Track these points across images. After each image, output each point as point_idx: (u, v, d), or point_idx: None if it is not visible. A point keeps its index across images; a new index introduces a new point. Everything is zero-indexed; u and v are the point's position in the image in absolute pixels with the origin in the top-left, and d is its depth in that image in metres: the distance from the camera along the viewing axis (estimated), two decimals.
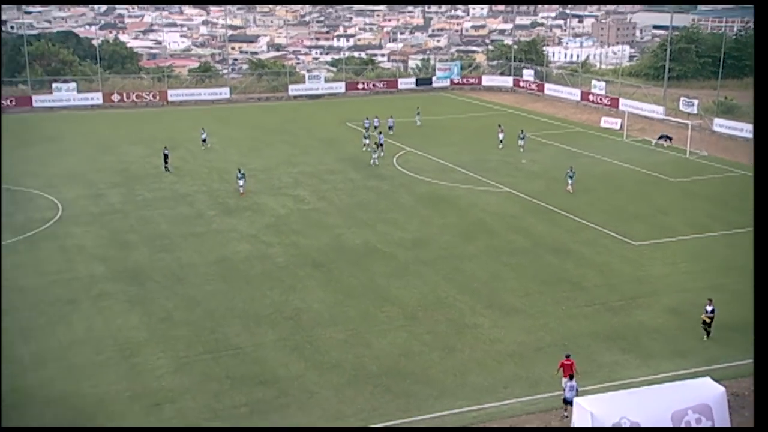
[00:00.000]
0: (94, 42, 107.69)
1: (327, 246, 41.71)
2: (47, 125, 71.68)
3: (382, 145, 61.31)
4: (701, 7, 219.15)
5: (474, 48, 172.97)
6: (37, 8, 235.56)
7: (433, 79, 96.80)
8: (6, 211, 46.63)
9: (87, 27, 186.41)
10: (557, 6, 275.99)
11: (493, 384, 28.03)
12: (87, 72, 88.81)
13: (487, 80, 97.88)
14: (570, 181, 50.67)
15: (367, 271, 38.35)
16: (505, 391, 27.58)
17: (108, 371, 28.66)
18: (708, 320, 30.26)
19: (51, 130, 69.38)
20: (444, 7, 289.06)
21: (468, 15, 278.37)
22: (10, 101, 78.90)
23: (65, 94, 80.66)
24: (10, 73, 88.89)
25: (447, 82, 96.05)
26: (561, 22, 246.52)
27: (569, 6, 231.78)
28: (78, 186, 52.35)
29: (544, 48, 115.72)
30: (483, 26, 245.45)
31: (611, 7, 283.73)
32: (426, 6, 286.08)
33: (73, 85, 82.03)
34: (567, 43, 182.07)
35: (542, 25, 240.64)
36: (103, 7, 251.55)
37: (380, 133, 63.93)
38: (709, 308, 30.22)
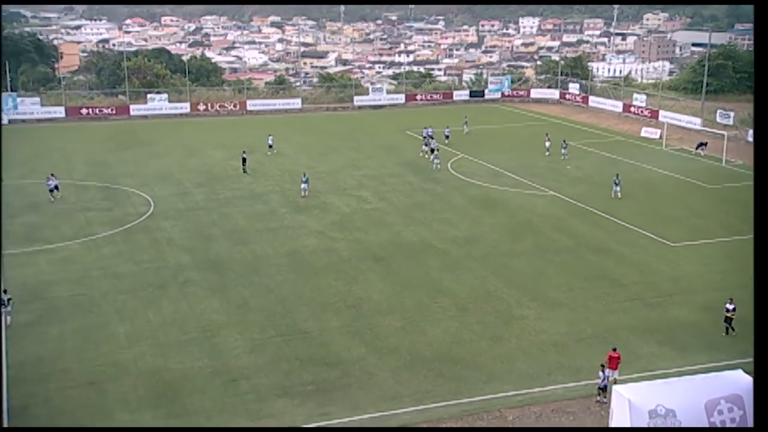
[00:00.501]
0: (184, 58, 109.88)
1: (386, 242, 41.83)
2: (142, 131, 73.21)
3: (434, 150, 61.62)
4: (738, 26, 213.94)
5: (523, 63, 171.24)
6: (135, 28, 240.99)
7: (486, 91, 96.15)
8: (106, 206, 47.95)
9: (178, 44, 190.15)
10: (602, 25, 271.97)
11: (537, 371, 27.82)
12: (177, 84, 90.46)
13: (535, 93, 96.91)
14: (617, 188, 49.81)
15: (422, 265, 38.36)
16: (549, 378, 27.36)
17: (192, 349, 29.21)
18: (729, 318, 29.61)
19: (145, 136, 70.79)
20: (496, 26, 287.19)
21: (518, 33, 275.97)
22: (111, 110, 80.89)
23: (158, 104, 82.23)
24: (111, 85, 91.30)
25: (498, 95, 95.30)
26: (605, 39, 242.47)
27: (613, 25, 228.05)
28: (168, 185, 53.30)
29: (588, 63, 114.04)
30: (532, 43, 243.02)
31: (653, 26, 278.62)
32: (479, 24, 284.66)
33: (165, 96, 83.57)
34: (610, 60, 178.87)
35: (587, 42, 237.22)
36: (192, 26, 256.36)
37: (433, 139, 63.97)
38: (730, 306, 29.57)
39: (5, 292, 31.88)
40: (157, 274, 36.69)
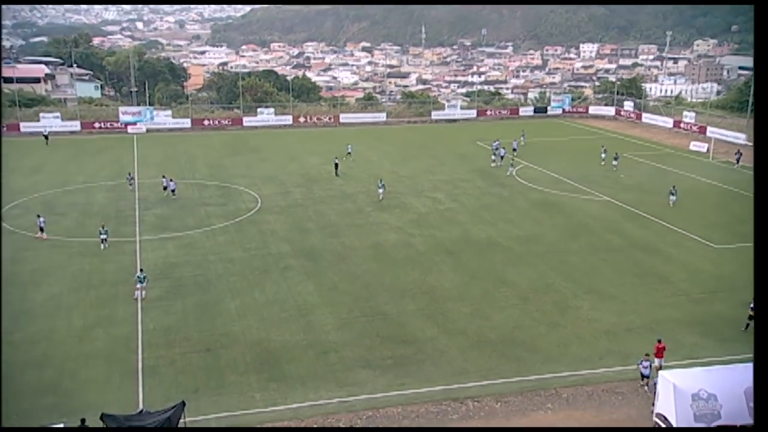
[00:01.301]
0: (288, 78, 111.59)
1: (457, 238, 41.57)
2: (252, 140, 74.74)
3: (502, 157, 60.91)
4: None
5: (583, 84, 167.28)
6: (249, 53, 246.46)
7: (548, 108, 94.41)
8: (222, 202, 49.15)
9: (284, 66, 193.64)
10: (656, 50, 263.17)
11: (590, 355, 27.23)
12: (282, 100, 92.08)
13: (593, 109, 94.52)
14: (673, 198, 48.11)
15: (488, 259, 37.98)
16: (600, 362, 26.74)
17: (290, 325, 29.71)
18: (751, 315, 28.21)
19: (254, 143, 72.13)
20: (559, 50, 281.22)
21: (579, 57, 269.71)
22: (228, 121, 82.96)
23: (266, 116, 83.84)
24: (228, 100, 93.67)
25: (560, 111, 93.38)
26: (658, 63, 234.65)
27: (666, 50, 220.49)
28: (272, 185, 54.14)
29: (642, 84, 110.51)
30: (591, 66, 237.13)
31: (702, 51, 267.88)
32: (544, 49, 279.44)
33: (272, 110, 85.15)
34: (662, 81, 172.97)
35: (642, 65, 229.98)
36: (296, 51, 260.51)
37: (501, 148, 63.31)
38: (752, 305, 28.29)
39: (141, 271, 33.24)
40: (262, 260, 37.41)
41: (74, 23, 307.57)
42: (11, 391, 24.36)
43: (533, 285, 34.29)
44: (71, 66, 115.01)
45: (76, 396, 24.09)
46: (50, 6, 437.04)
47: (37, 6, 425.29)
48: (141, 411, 21.87)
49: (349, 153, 64.46)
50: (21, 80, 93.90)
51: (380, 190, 49.56)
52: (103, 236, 38.32)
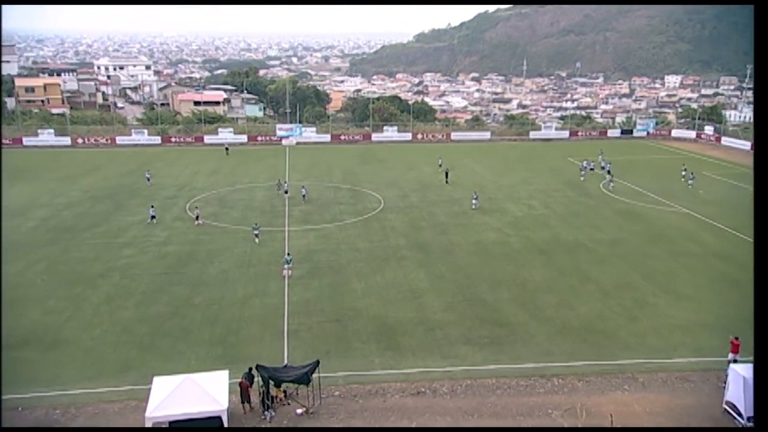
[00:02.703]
0: (409, 102, 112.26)
1: (548, 239, 40.24)
2: (378, 152, 75.53)
3: (593, 169, 58.45)
4: None
5: (666, 110, 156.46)
6: (379, 81, 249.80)
7: (634, 130, 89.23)
8: (352, 202, 50.07)
9: (406, 92, 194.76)
10: (736, 80, 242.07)
11: (665, 347, 25.60)
12: (403, 120, 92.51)
13: (675, 132, 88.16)
14: None
15: (575, 259, 36.50)
16: (674, 353, 25.07)
17: (404, 305, 29.89)
18: None
19: (380, 155, 72.86)
20: (645, 80, 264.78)
21: (663, 86, 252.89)
22: (360, 137, 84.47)
23: (390, 133, 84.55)
24: (360, 119, 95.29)
25: (644, 133, 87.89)
26: (738, 92, 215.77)
27: (746, 81, 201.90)
28: (393, 189, 54.42)
29: (722, 111, 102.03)
30: (674, 95, 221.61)
31: None
32: (631, 80, 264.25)
33: (395, 128, 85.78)
34: (742, 108, 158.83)
35: (722, 94, 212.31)
36: (417, 80, 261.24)
37: (596, 161, 60.40)
38: None
39: (288, 254, 34.56)
40: (383, 251, 37.80)
41: (246, 59, 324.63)
42: (191, 341, 26.14)
43: (615, 282, 32.61)
44: (242, 92, 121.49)
45: (238, 349, 25.46)
46: (230, 45, 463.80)
47: (220, 45, 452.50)
48: (286, 365, 22.77)
49: (440, 165, 63.42)
50: (206, 103, 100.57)
51: (474, 201, 48.01)
52: (256, 231, 39.28)
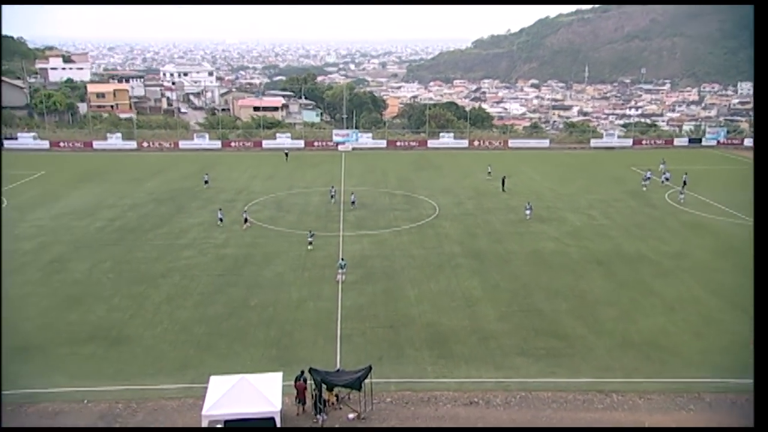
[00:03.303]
0: (466, 108, 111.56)
1: (608, 250, 39.07)
2: (434, 158, 74.97)
3: (648, 178, 56.94)
4: None
5: (739, 118, 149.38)
6: (436, 87, 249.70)
7: (703, 139, 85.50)
8: (407, 208, 50.03)
9: (463, 99, 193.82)
10: None
11: (733, 365, 24.33)
12: (460, 127, 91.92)
13: (748, 141, 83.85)
14: None
15: (637, 271, 35.29)
16: (745, 373, 23.65)
17: (457, 313, 29.65)
18: None
19: (436, 162, 72.35)
20: (716, 87, 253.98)
21: (736, 94, 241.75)
22: (416, 143, 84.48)
23: (446, 140, 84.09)
24: (416, 126, 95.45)
25: (714, 142, 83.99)
26: None
27: None
28: (448, 196, 54.05)
29: None
30: (748, 102, 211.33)
31: None
32: (701, 86, 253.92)
33: (452, 134, 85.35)
34: None
35: None
36: (474, 87, 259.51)
37: (649, 173, 58.67)
38: None
39: (342, 259, 34.88)
40: (437, 258, 37.63)
41: (304, 65, 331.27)
42: (247, 342, 26.74)
43: (679, 296, 31.32)
44: (300, 98, 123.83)
45: (292, 351, 25.87)
46: (289, 51, 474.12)
47: (280, 52, 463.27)
48: (338, 369, 22.96)
49: (490, 173, 62.42)
50: (265, 108, 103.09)
51: (527, 212, 46.62)
52: (310, 239, 39.11)
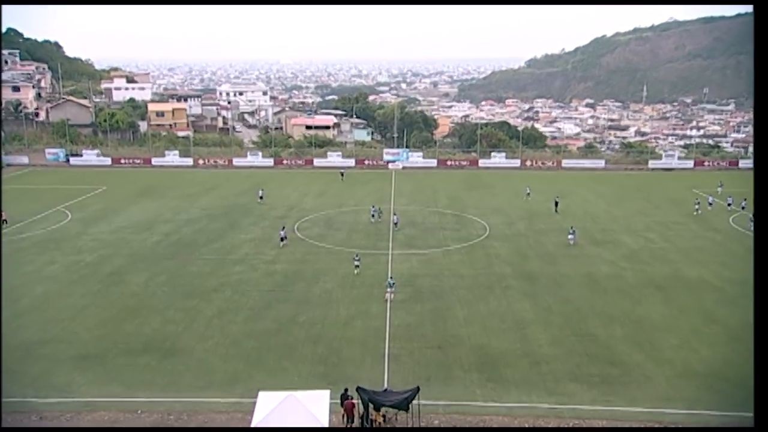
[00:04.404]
0: (519, 128, 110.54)
1: (667, 274, 37.76)
2: (485, 178, 74.40)
3: (711, 204, 55.04)
4: None
5: None
6: (488, 106, 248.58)
7: None
8: (457, 228, 49.81)
9: (515, 118, 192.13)
10: None
11: None
12: (512, 146, 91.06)
13: None
14: None
15: (698, 297, 33.96)
16: None
17: (508, 335, 29.18)
18: None
19: (487, 181, 71.87)
20: None
21: None
22: (467, 162, 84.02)
23: (498, 159, 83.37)
24: (467, 145, 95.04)
25: None
26: None
27: None
28: (499, 216, 53.56)
29: None
30: None
31: None
32: None
33: (503, 154, 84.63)
34: None
35: None
36: (527, 106, 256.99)
37: (711, 198, 56.69)
38: None
39: (391, 278, 34.92)
40: (487, 278, 37.26)
41: (356, 85, 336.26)
42: (295, 358, 27.01)
43: (745, 326, 29.61)
44: (352, 117, 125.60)
45: (339, 369, 25.96)
46: (341, 71, 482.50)
47: (332, 72, 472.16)
48: (386, 389, 22.89)
49: (528, 194, 61.37)
50: (317, 127, 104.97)
51: (570, 237, 44.80)
52: (357, 262, 38.30)
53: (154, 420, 22.53)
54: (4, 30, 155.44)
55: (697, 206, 55.35)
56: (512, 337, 28.90)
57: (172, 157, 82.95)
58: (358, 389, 21.56)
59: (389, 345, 28.08)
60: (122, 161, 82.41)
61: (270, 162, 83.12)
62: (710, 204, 56.03)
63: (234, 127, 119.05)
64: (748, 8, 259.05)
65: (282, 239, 44.08)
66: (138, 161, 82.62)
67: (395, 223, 49.40)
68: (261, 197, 59.48)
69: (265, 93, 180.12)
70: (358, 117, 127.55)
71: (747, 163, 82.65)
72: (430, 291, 34.96)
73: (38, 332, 29.36)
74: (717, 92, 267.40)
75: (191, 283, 36.54)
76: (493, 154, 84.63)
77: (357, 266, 38.32)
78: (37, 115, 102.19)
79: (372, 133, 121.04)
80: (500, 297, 34.10)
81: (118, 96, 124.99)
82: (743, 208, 53.95)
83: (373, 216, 51.37)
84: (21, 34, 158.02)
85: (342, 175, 74.13)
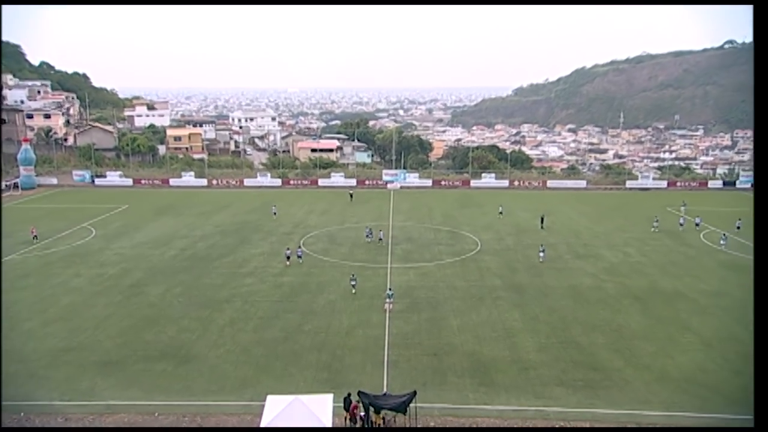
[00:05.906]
0: (507, 151, 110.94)
1: (644, 286, 37.70)
2: (476, 197, 74.39)
3: (698, 225, 54.60)
4: None
5: None
6: (478, 131, 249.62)
7: (737, 182, 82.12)
8: (450, 243, 49.70)
9: (504, 142, 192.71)
10: None
11: None
12: (501, 168, 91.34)
13: None
14: None
15: (673, 308, 33.86)
16: None
17: (498, 343, 29.05)
18: None
19: (478, 200, 71.76)
20: (749, 133, 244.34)
21: None
22: (459, 183, 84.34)
23: (488, 180, 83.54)
24: (460, 167, 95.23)
25: (748, 185, 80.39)
26: None
27: None
28: (489, 232, 53.51)
29: None
30: None
31: None
32: (734, 132, 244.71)
33: (493, 175, 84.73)
34: None
35: None
36: (514, 131, 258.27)
37: (682, 219, 56.34)
38: None
39: (390, 289, 34.84)
40: (479, 290, 37.18)
41: (358, 111, 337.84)
42: (300, 365, 26.87)
43: (717, 334, 29.80)
44: (353, 140, 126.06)
45: (342, 375, 25.82)
46: (344, 99, 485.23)
47: (336, 99, 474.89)
48: (385, 393, 22.76)
49: (501, 213, 61.16)
50: (321, 150, 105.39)
51: (541, 254, 43.75)
52: (353, 282, 36.79)
53: (171, 422, 22.36)
54: (37, 63, 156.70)
55: (655, 224, 55.26)
56: (502, 344, 28.80)
57: (188, 178, 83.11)
58: (360, 393, 21.45)
59: (388, 352, 27.95)
60: (143, 182, 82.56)
61: (278, 182, 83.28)
62: (681, 225, 55.75)
63: (245, 150, 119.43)
64: (715, 43, 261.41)
65: (288, 257, 43.06)
66: (157, 182, 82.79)
67: (380, 239, 49.07)
68: (275, 213, 60.11)
69: (273, 119, 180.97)
70: (359, 141, 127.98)
71: (716, 183, 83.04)
72: (426, 302, 34.86)
73: (64, 340, 29.23)
74: (687, 119, 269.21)
75: (205, 294, 36.43)
76: (483, 175, 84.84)
77: (353, 285, 36.87)
78: (65, 140, 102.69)
79: (372, 156, 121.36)
80: (491, 307, 34.01)
81: (140, 122, 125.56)
82: (738, 228, 53.33)
83: (367, 236, 50.74)
84: (53, 67, 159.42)
85: (351, 196, 73.78)
